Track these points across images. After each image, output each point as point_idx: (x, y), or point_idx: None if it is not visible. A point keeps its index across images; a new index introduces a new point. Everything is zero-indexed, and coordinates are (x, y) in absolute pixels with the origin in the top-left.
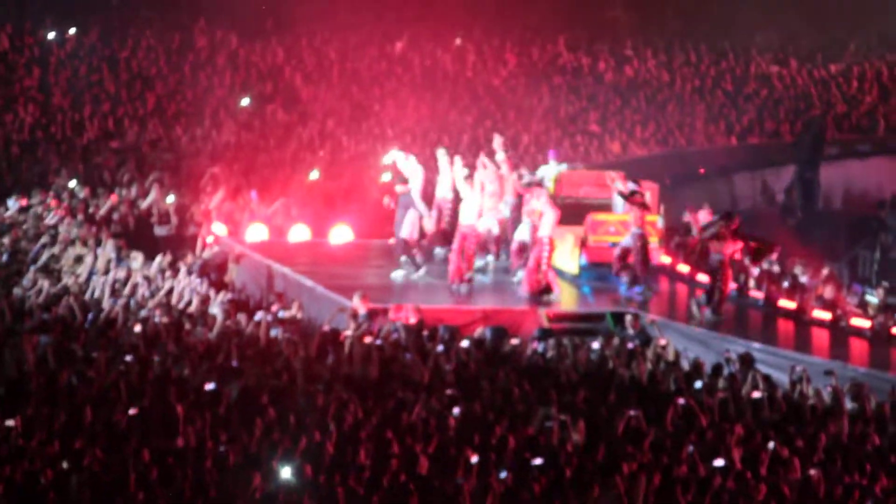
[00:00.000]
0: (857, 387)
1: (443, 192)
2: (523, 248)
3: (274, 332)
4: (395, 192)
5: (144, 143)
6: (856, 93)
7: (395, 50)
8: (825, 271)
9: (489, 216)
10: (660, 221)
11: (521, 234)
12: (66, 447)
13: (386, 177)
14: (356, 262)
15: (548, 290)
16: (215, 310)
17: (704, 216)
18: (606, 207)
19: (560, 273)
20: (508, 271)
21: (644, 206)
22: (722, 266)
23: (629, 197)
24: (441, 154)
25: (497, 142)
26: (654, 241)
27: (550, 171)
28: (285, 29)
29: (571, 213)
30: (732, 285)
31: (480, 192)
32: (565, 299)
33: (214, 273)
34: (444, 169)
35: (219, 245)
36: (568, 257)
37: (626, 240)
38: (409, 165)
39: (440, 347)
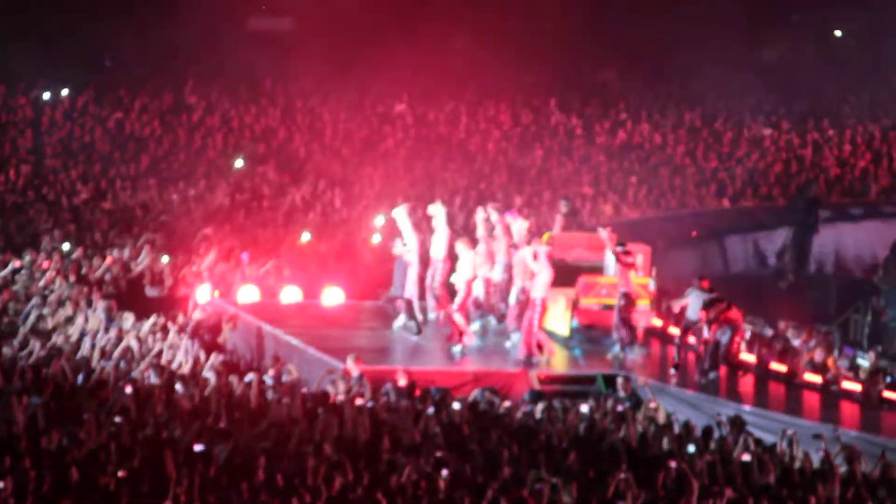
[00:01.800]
0: (849, 450)
1: (436, 252)
2: (522, 311)
3: (264, 394)
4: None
5: (137, 204)
6: (848, 156)
7: (391, 111)
8: (817, 335)
9: (479, 278)
10: (651, 284)
11: (514, 296)
12: None
13: (377, 238)
14: (348, 323)
15: (539, 350)
16: (207, 372)
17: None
18: (598, 269)
19: (551, 335)
20: (502, 333)
21: (629, 265)
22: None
23: (620, 255)
24: (437, 210)
25: (491, 206)
26: (645, 304)
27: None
28: (279, 90)
29: (563, 275)
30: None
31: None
32: (557, 361)
33: (207, 334)
34: (439, 226)
35: (211, 307)
36: (559, 319)
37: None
38: (409, 226)
39: (431, 409)
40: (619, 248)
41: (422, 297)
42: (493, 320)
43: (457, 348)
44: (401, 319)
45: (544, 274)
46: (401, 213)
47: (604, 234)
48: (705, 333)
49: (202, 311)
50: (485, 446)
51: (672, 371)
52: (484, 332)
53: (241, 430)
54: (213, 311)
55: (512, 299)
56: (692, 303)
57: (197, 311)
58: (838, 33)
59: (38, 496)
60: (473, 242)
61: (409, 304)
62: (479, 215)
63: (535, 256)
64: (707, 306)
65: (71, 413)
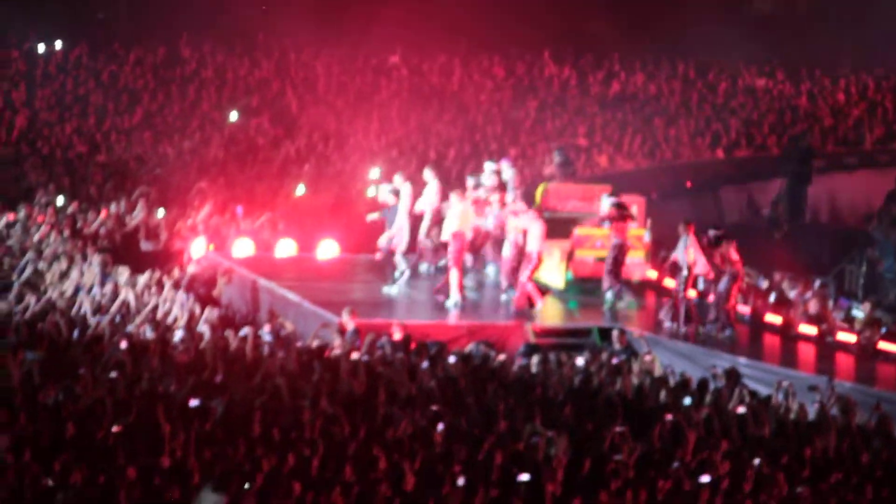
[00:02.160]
0: (845, 401)
1: (424, 207)
2: (516, 267)
3: (260, 348)
4: (380, 206)
5: (131, 157)
6: (843, 106)
7: (385, 63)
8: (813, 286)
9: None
10: (646, 235)
11: (507, 251)
12: (52, 464)
13: (372, 191)
14: (343, 276)
15: (531, 304)
16: (203, 326)
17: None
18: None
19: (546, 287)
20: (497, 287)
21: (623, 218)
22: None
23: (613, 219)
24: (427, 172)
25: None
26: (640, 255)
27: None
28: (272, 43)
29: (558, 227)
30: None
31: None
32: (552, 314)
33: (202, 288)
34: (429, 185)
35: (206, 260)
36: (554, 272)
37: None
38: (400, 180)
39: (426, 363)
40: (611, 201)
41: (411, 249)
42: (490, 270)
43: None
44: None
45: (535, 227)
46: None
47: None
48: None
49: (197, 265)
50: (480, 400)
51: (673, 325)
52: (479, 286)
53: (236, 385)
54: (208, 265)
55: (506, 252)
56: (679, 248)
57: (192, 264)
58: None
59: (36, 451)
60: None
61: (391, 253)
62: (489, 167)
63: (515, 214)
64: (715, 243)
65: (67, 368)
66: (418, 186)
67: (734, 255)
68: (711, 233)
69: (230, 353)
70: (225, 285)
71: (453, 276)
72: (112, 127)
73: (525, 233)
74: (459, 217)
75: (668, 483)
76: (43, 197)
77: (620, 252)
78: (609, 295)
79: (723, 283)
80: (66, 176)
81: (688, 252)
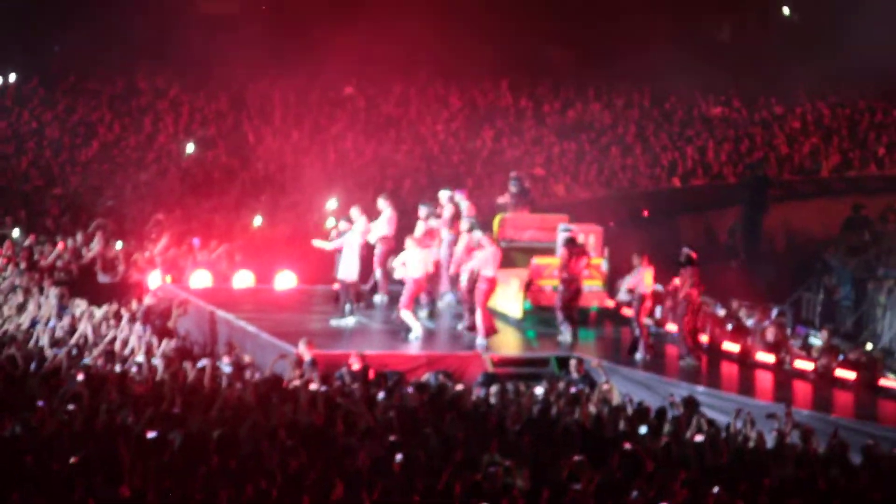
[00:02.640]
0: (803, 429)
1: (377, 237)
2: (471, 290)
3: (218, 379)
4: (339, 232)
5: (87, 189)
6: (798, 134)
7: (341, 94)
8: (770, 314)
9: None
10: (604, 265)
11: (464, 280)
12: (10, 496)
13: (330, 223)
14: (300, 308)
15: (484, 331)
16: (158, 359)
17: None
18: (550, 251)
19: (504, 317)
20: (454, 317)
21: (577, 256)
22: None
23: (565, 259)
24: (381, 202)
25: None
26: (598, 284)
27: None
28: (228, 74)
29: (516, 256)
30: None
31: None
32: (510, 344)
33: (158, 320)
34: (383, 214)
35: (163, 292)
36: (512, 301)
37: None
38: (356, 213)
39: (384, 393)
40: (564, 237)
41: (363, 279)
42: (447, 299)
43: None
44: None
45: (487, 252)
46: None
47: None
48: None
49: (153, 297)
50: (439, 429)
51: (638, 356)
52: (432, 315)
53: (194, 416)
54: (164, 297)
55: (463, 281)
56: (634, 279)
57: (148, 296)
58: (786, 11)
59: None
60: (421, 239)
61: (348, 287)
62: (443, 194)
63: (471, 246)
64: (685, 263)
65: (24, 401)
66: (373, 217)
67: (690, 281)
68: (685, 250)
69: (188, 384)
70: (181, 317)
71: (406, 315)
72: (68, 159)
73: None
74: (418, 262)
75: None
76: None
77: (568, 286)
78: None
79: (679, 312)
80: (23, 208)
81: (643, 282)
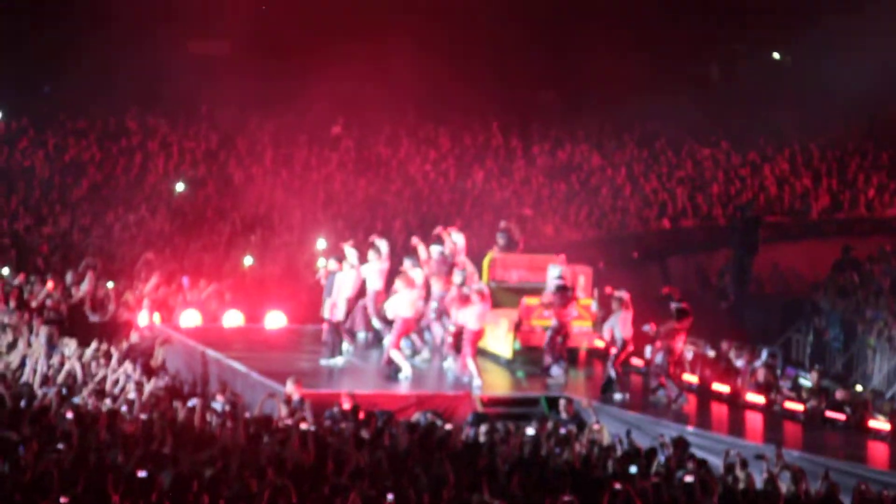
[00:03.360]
0: (793, 470)
1: (373, 283)
2: (457, 338)
3: (207, 419)
4: (328, 272)
5: (77, 229)
6: (788, 175)
7: (329, 134)
8: (760, 355)
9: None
10: (594, 305)
11: (451, 326)
12: None
13: (321, 263)
14: (290, 347)
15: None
16: (148, 398)
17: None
18: (540, 291)
19: (494, 357)
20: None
21: (564, 304)
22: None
23: (553, 305)
24: (380, 244)
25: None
26: (587, 325)
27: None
28: (218, 114)
29: (505, 297)
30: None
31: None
32: (499, 384)
33: (141, 357)
34: (375, 258)
35: (150, 330)
36: (502, 341)
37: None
38: (356, 257)
39: (374, 433)
40: (555, 284)
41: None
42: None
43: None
44: (346, 344)
45: (475, 308)
46: (349, 250)
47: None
48: (648, 353)
49: (139, 335)
50: (428, 470)
51: (618, 397)
52: (414, 353)
53: (184, 456)
54: (148, 335)
55: (451, 327)
56: (614, 322)
57: (133, 335)
58: (776, 55)
59: None
60: (411, 281)
61: (335, 326)
62: (435, 250)
63: (462, 302)
64: (677, 317)
65: (12, 440)
66: (363, 258)
67: (675, 333)
68: (674, 305)
69: (179, 423)
70: (166, 354)
71: (395, 355)
72: (58, 199)
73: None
74: (409, 304)
75: None
76: None
77: (557, 333)
78: (554, 370)
79: (659, 357)
80: (13, 248)
81: (625, 326)
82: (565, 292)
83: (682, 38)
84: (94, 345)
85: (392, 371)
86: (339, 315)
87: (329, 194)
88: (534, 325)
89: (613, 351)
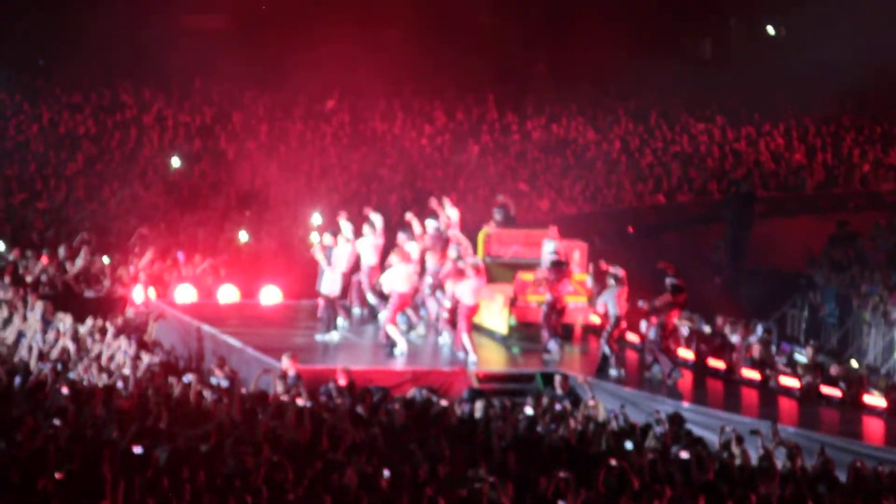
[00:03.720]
0: (789, 446)
1: (367, 254)
2: (452, 314)
3: (203, 395)
4: (324, 246)
5: (72, 203)
6: (783, 150)
7: (324, 108)
8: (755, 330)
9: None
10: (588, 280)
11: (446, 300)
12: None
13: (315, 237)
14: (285, 322)
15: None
16: (144, 373)
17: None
18: (535, 267)
19: (489, 333)
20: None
21: (559, 278)
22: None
23: (549, 280)
24: (374, 218)
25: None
26: (582, 301)
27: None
28: (213, 88)
29: (500, 272)
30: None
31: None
32: (495, 359)
33: (135, 333)
34: (371, 232)
35: (145, 306)
36: (497, 317)
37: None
38: (350, 230)
39: (370, 409)
40: (550, 259)
41: (343, 295)
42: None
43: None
44: (341, 319)
45: (470, 282)
46: (343, 223)
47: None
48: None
49: (133, 311)
50: (424, 446)
51: (613, 373)
52: (410, 329)
53: (180, 432)
54: (142, 310)
55: (446, 302)
56: (608, 297)
57: (129, 310)
58: (771, 30)
59: None
60: (406, 255)
61: (331, 301)
62: (431, 224)
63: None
64: (672, 292)
65: (8, 416)
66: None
67: (669, 308)
68: (669, 280)
69: (174, 399)
70: (161, 330)
71: (391, 330)
72: (53, 173)
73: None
74: (405, 278)
75: None
76: None
77: (552, 308)
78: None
79: (653, 332)
80: (7, 223)
81: (620, 302)
82: (560, 267)
83: (676, 12)
84: (89, 320)
85: (388, 346)
86: (335, 290)
87: (324, 169)
88: (529, 300)
89: (607, 327)
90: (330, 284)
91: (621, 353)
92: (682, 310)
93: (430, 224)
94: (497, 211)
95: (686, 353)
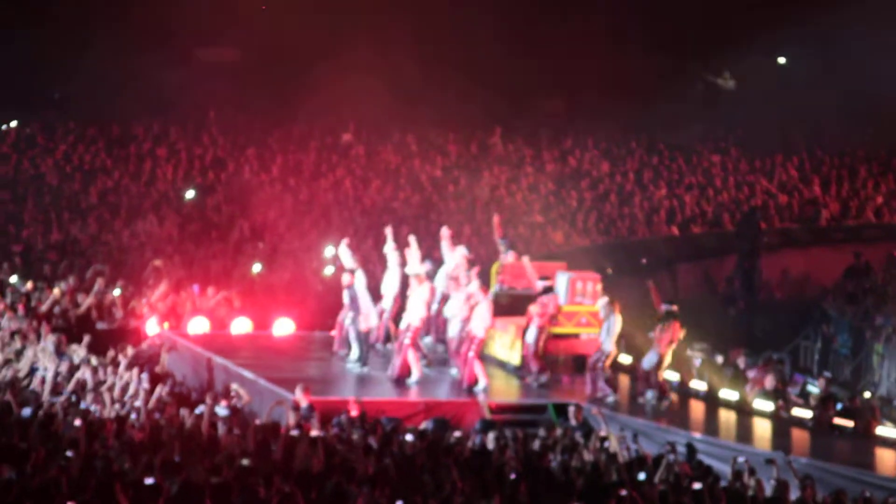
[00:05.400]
0: (802, 477)
1: (388, 288)
2: (460, 344)
3: (215, 426)
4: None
5: (86, 236)
6: (797, 182)
7: (339, 141)
8: (769, 362)
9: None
10: (602, 312)
11: (454, 330)
12: None
13: (329, 270)
14: (298, 354)
15: (475, 382)
16: (152, 404)
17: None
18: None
19: (502, 364)
20: (447, 363)
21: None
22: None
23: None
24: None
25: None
26: (595, 332)
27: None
28: (227, 121)
29: (513, 304)
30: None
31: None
32: (508, 390)
33: (147, 365)
34: (392, 264)
35: (158, 338)
36: (510, 348)
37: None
38: (351, 258)
39: (382, 440)
40: (543, 284)
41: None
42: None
43: (410, 381)
44: (355, 352)
45: (482, 307)
46: (343, 250)
47: (528, 265)
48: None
49: (146, 343)
50: (436, 477)
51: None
52: (435, 363)
53: (192, 463)
54: (153, 342)
55: (452, 332)
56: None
57: (143, 342)
58: (782, 61)
59: None
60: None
61: (360, 335)
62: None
63: (469, 298)
64: (664, 319)
65: (21, 447)
66: (373, 265)
67: (667, 334)
68: (664, 308)
69: (186, 430)
70: (173, 361)
71: (411, 356)
72: (67, 206)
73: (471, 311)
74: (423, 303)
75: None
76: None
77: (542, 333)
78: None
79: (647, 360)
80: (21, 255)
81: (612, 332)
82: (551, 293)
83: (690, 45)
84: (102, 352)
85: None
86: (371, 322)
87: (338, 201)
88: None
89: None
90: (368, 317)
91: (615, 378)
92: (675, 337)
93: (459, 252)
94: (501, 242)
95: (699, 385)
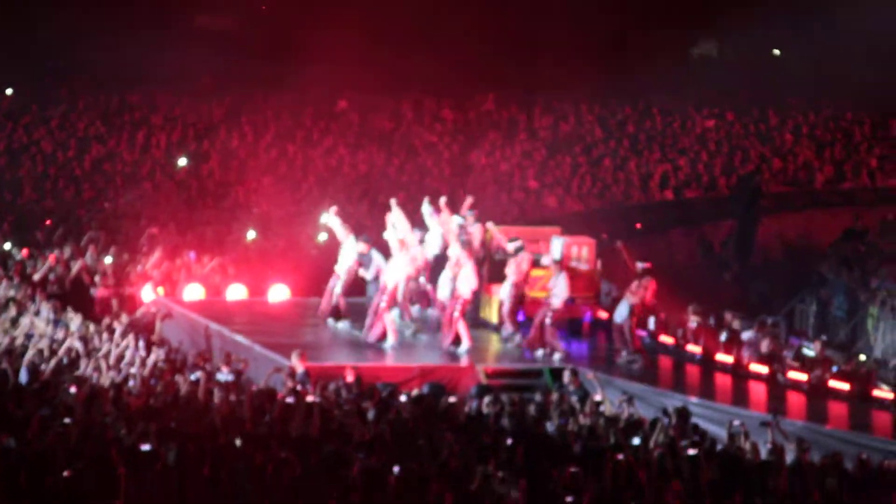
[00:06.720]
0: (798, 440)
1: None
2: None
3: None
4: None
5: (80, 203)
6: (792, 146)
7: (335, 108)
8: (764, 325)
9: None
10: (597, 276)
11: (443, 292)
12: None
13: (323, 236)
14: (294, 320)
15: (457, 341)
16: (147, 371)
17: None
18: (539, 262)
19: (493, 327)
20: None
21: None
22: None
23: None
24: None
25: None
26: (589, 296)
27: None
28: (222, 88)
29: (497, 269)
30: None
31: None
32: (503, 355)
33: (143, 332)
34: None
35: (154, 305)
36: (488, 306)
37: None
38: (341, 228)
39: (378, 405)
40: (517, 243)
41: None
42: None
43: (386, 345)
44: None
45: (466, 269)
46: (332, 218)
47: (494, 229)
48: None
49: (141, 310)
50: (433, 442)
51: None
52: (427, 327)
53: (188, 429)
54: (148, 309)
55: (442, 294)
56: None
57: (139, 309)
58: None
59: None
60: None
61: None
62: (425, 208)
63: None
64: (640, 275)
65: (17, 414)
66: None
67: (641, 291)
68: (639, 265)
69: (182, 397)
70: (168, 328)
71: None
72: (61, 174)
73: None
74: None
75: None
76: None
77: (516, 293)
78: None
79: (619, 314)
80: (16, 222)
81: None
82: (522, 251)
83: (684, 14)
84: (97, 319)
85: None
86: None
87: (333, 168)
88: (536, 295)
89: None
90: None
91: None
92: (653, 294)
93: (455, 220)
94: (469, 214)
95: (694, 348)
